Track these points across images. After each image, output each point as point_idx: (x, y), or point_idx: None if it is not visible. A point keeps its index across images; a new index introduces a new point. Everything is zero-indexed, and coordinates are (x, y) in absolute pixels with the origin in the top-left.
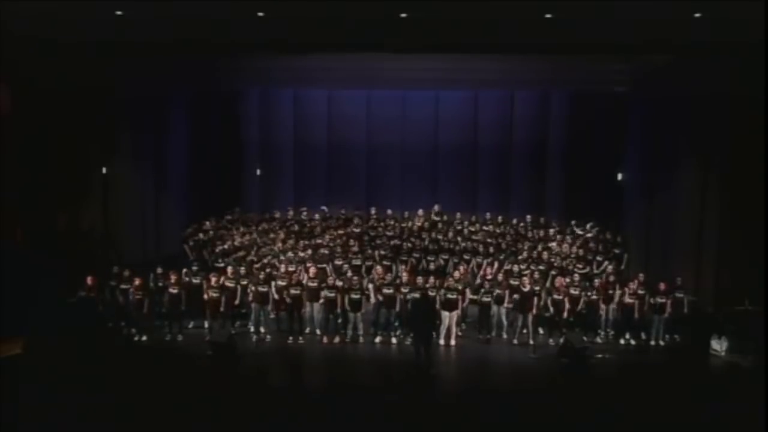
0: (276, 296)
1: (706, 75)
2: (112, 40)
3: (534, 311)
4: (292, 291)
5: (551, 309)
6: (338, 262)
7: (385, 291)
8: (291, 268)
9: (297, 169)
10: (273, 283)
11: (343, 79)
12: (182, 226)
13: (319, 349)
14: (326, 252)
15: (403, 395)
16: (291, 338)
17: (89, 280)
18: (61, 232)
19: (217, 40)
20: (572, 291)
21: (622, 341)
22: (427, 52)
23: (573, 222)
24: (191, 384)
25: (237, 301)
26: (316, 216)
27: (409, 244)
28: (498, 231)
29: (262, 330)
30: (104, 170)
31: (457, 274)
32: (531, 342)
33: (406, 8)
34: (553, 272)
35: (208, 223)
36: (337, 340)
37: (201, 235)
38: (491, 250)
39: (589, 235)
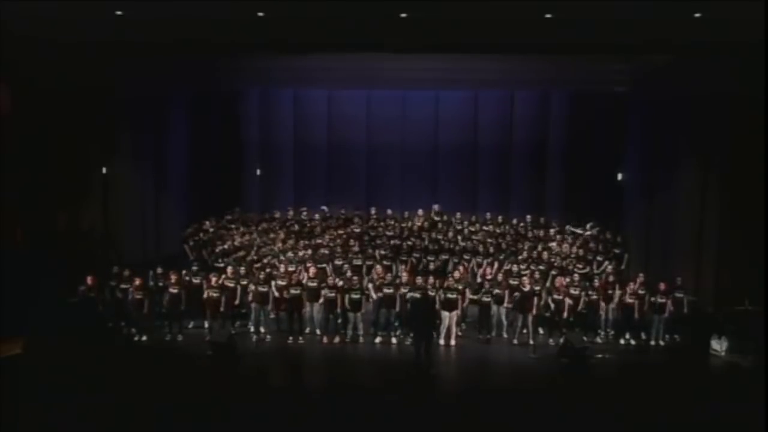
0: (276, 295)
1: (706, 75)
2: (112, 40)
3: (534, 311)
4: (292, 291)
5: (551, 309)
6: (338, 262)
7: (385, 291)
8: (291, 268)
9: (297, 169)
10: (273, 283)
11: (343, 79)
12: (182, 226)
13: (319, 349)
14: (326, 252)
15: (403, 395)
16: (291, 338)
17: (89, 280)
18: (61, 232)
19: (217, 40)
20: (572, 291)
21: (622, 341)
22: (427, 52)
23: (571, 223)
24: (191, 384)
25: (237, 301)
26: (316, 216)
27: (409, 244)
28: (498, 231)
29: (262, 330)
30: (104, 170)
31: (457, 274)
32: (531, 342)
33: (406, 8)
34: (553, 272)
35: (208, 223)
36: (337, 340)
37: (201, 235)
38: (491, 250)
39: (587, 234)
